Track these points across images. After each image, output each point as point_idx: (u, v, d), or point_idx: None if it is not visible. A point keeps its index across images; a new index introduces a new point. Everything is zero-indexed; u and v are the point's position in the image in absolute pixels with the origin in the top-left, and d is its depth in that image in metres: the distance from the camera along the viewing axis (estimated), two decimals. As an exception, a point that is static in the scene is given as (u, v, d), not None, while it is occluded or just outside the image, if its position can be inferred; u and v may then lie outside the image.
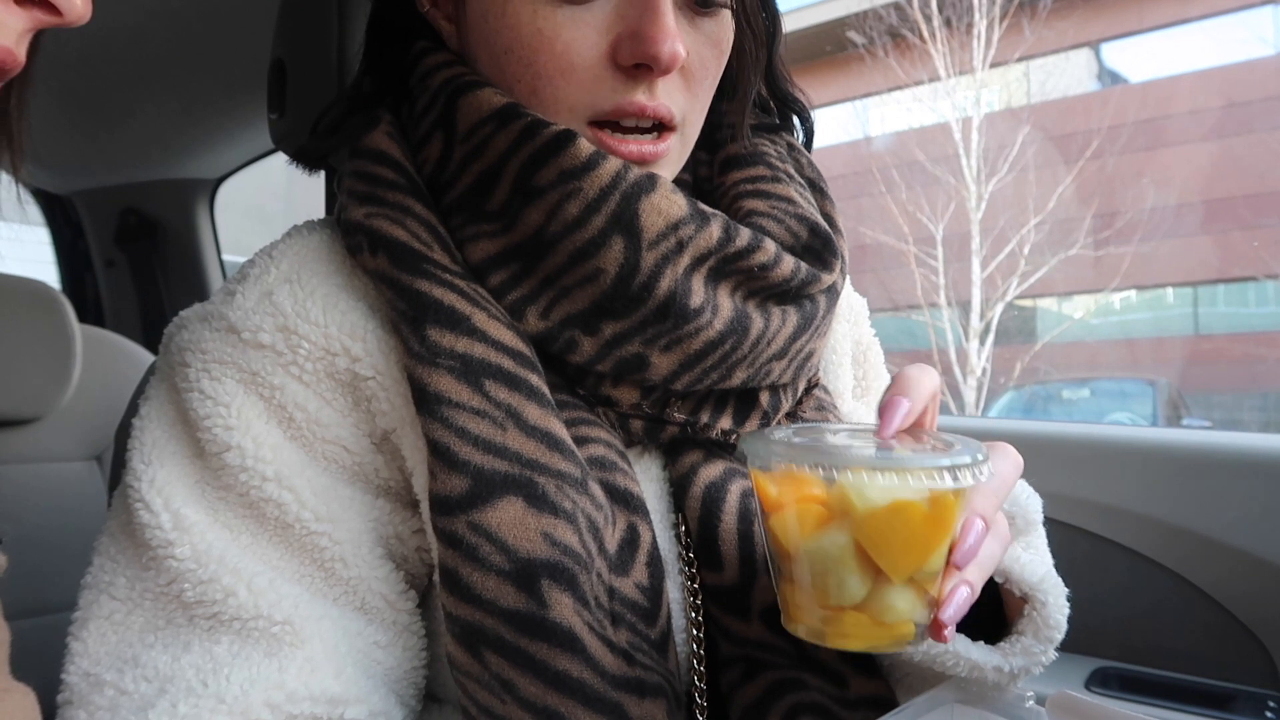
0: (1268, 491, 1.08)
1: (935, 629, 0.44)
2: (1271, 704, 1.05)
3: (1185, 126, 8.79)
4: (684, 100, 0.57)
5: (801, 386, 0.64)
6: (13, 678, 0.47)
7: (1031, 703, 0.49)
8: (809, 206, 0.64)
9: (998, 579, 0.55)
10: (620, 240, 0.52)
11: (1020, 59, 9.07)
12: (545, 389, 0.53)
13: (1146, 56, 9.34)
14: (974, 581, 0.45)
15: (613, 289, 0.53)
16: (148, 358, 1.54)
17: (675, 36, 0.53)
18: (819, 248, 0.61)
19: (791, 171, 0.66)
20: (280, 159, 1.57)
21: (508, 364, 0.52)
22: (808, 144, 0.72)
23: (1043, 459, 1.25)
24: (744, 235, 0.55)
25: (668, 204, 0.53)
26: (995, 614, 0.58)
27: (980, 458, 0.42)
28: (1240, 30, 8.85)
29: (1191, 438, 1.19)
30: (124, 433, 0.91)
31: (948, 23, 8.75)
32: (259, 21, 1.23)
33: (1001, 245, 8.70)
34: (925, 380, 0.48)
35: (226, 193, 1.95)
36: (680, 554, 0.58)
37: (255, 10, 1.27)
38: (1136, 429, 1.42)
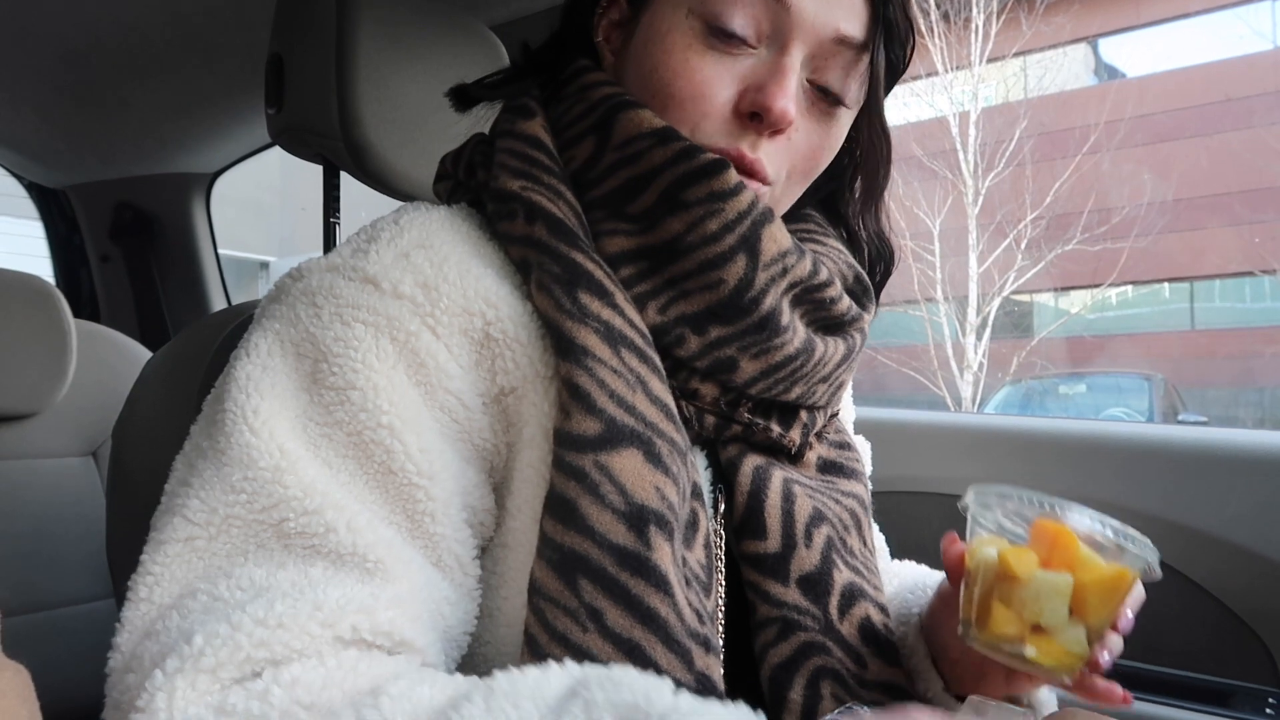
0: (1265, 487, 1.08)
1: (1092, 666, 0.59)
2: (1272, 700, 1.05)
3: (1182, 122, 8.80)
4: (781, 164, 0.65)
5: (829, 412, 0.72)
6: (5, 656, 0.47)
7: None
8: (850, 257, 0.73)
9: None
10: (744, 258, 0.60)
11: (1017, 54, 9.08)
12: (663, 370, 0.60)
13: (1143, 52, 9.35)
14: (1115, 649, 0.60)
15: (728, 298, 0.61)
16: (144, 353, 1.53)
17: (791, 97, 0.61)
18: (860, 292, 0.71)
19: (830, 232, 0.75)
20: (276, 153, 1.56)
21: (638, 340, 0.59)
22: (884, 280, 0.78)
23: (1039, 455, 1.25)
24: (824, 271, 0.65)
25: (781, 234, 0.62)
26: None
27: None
28: (1238, 25, 8.86)
29: (1188, 434, 1.19)
30: (121, 428, 0.90)
31: (945, 17, 8.75)
32: (256, 15, 1.22)
33: (998, 240, 8.72)
34: None
35: (222, 187, 1.94)
36: (716, 530, 0.65)
37: (253, 4, 1.26)
38: (1133, 424, 1.42)
